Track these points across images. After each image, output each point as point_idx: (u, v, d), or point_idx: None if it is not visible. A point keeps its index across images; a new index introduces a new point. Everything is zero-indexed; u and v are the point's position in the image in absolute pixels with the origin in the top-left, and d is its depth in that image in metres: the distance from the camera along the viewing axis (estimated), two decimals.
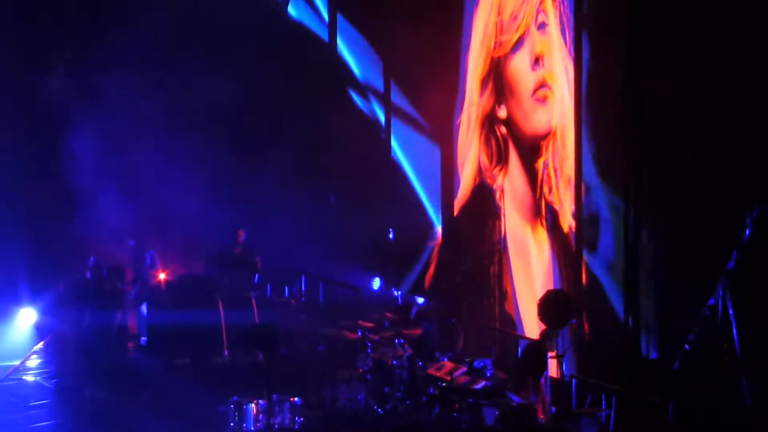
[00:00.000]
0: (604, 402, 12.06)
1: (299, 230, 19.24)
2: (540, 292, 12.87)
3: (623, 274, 12.49)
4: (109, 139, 19.15)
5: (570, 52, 13.74)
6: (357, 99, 20.15)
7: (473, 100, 16.55)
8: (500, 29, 15.64)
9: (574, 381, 12.53)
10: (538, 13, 14.60)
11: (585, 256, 13.34)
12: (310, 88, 19.98)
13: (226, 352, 16.40)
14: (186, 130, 19.65)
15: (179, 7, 19.39)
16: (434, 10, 17.37)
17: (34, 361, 17.61)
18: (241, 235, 17.50)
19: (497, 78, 15.81)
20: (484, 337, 15.62)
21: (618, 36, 12.63)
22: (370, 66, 19.98)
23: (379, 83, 19.70)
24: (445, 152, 17.72)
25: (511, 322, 15.24)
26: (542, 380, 11.83)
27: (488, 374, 13.22)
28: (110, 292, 16.23)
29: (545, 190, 14.43)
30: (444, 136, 17.72)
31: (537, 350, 11.94)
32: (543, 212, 14.55)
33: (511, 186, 15.56)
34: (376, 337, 14.34)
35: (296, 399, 12.95)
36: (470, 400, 12.17)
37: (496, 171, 15.95)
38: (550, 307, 11.68)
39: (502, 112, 15.68)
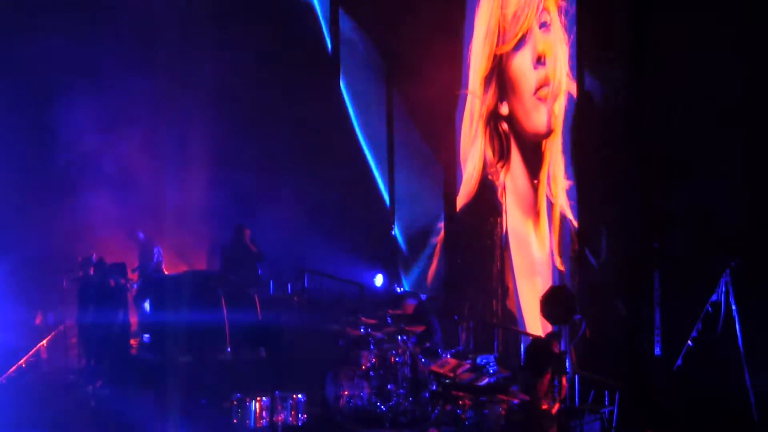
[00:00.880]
0: (607, 398, 12.07)
1: (303, 227, 19.29)
2: (542, 288, 12.88)
3: (625, 270, 12.49)
4: (110, 134, 19.18)
5: (572, 50, 13.75)
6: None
7: (476, 95, 16.55)
8: (503, 27, 15.65)
9: (577, 377, 12.55)
10: (540, 12, 14.60)
11: (587, 252, 13.35)
12: (312, 88, 20.06)
13: (228, 349, 16.43)
14: (189, 128, 19.71)
15: None
16: (436, 3, 17.38)
17: (37, 358, 17.64)
18: (247, 233, 17.51)
19: (499, 75, 15.81)
20: (486, 334, 15.61)
21: (620, 32, 12.67)
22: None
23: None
24: (446, 148, 17.73)
25: (512, 319, 15.24)
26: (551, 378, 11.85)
27: (491, 371, 13.23)
28: (113, 289, 16.25)
29: (547, 186, 14.44)
30: (445, 132, 17.72)
31: (543, 349, 11.94)
32: (545, 209, 14.56)
33: (512, 182, 15.56)
34: (379, 334, 14.34)
35: (299, 396, 12.96)
36: (473, 396, 12.17)
37: (497, 167, 15.96)
38: (552, 303, 11.68)
39: (504, 109, 15.68)
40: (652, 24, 12.11)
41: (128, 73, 19.49)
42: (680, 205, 11.61)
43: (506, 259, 15.68)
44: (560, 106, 14.04)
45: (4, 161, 18.29)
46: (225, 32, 20.12)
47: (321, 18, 21.03)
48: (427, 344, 14.22)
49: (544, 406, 11.29)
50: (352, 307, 16.53)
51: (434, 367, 13.41)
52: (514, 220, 15.53)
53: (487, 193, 16.25)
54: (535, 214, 14.86)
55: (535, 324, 13.75)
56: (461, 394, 12.29)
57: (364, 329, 14.43)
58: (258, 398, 12.79)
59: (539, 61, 14.62)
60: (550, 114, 14.37)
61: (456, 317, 15.89)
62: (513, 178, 15.56)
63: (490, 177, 16.19)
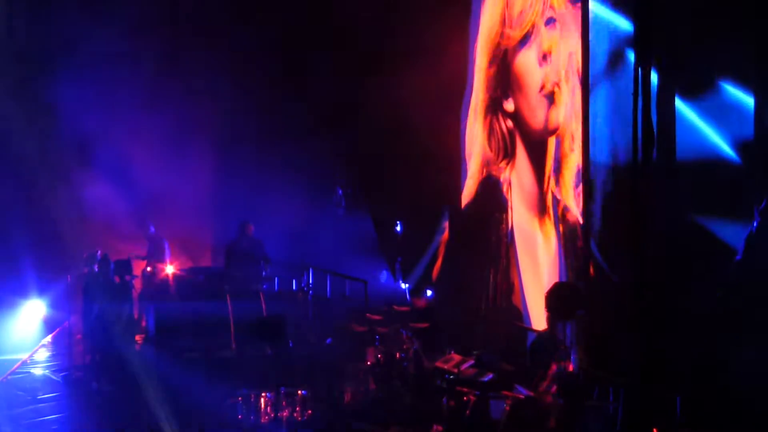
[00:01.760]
0: (611, 394, 12.05)
1: (307, 223, 19.30)
2: (547, 284, 12.86)
3: (630, 266, 12.47)
4: (114, 130, 19.19)
5: (576, 43, 13.73)
6: None
7: (480, 91, 16.55)
8: (508, 23, 15.64)
9: (581, 373, 12.52)
10: (545, 8, 14.59)
11: (592, 248, 13.33)
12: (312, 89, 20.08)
13: (234, 345, 16.44)
14: (193, 120, 19.73)
15: None
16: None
17: (42, 354, 17.67)
18: (251, 229, 17.51)
19: (504, 71, 15.81)
20: (491, 330, 15.61)
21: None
22: None
23: None
24: (451, 144, 17.73)
25: (518, 315, 15.24)
26: (555, 371, 11.83)
27: (496, 366, 13.21)
28: (118, 285, 16.26)
29: (552, 182, 14.42)
30: (450, 129, 17.73)
31: (547, 344, 11.94)
32: (550, 205, 14.55)
33: (518, 179, 15.56)
34: (383, 330, 14.35)
35: (304, 392, 12.96)
36: (478, 392, 12.17)
37: (503, 164, 15.96)
38: (557, 299, 11.66)
39: (509, 106, 15.68)
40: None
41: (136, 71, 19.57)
42: (685, 197, 11.60)
43: (511, 255, 15.68)
44: (568, 104, 14.01)
45: (8, 157, 18.32)
46: (232, 22, 20.14)
47: None
48: (432, 340, 14.23)
49: (548, 401, 11.29)
50: (357, 304, 16.54)
51: (438, 363, 13.42)
52: (519, 216, 15.52)
53: (492, 190, 16.25)
54: (541, 210, 14.85)
55: (541, 320, 13.72)
56: (465, 389, 12.29)
57: (368, 325, 14.45)
58: (263, 394, 12.79)
59: (545, 58, 14.61)
60: (556, 112, 14.35)
61: (460, 313, 15.90)
62: (518, 175, 15.56)
63: (495, 173, 16.18)
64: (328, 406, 13.83)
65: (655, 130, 11.95)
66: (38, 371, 16.75)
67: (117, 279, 16.28)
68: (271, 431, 12.72)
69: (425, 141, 18.03)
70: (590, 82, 13.30)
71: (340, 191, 20.29)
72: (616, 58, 12.92)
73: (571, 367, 11.53)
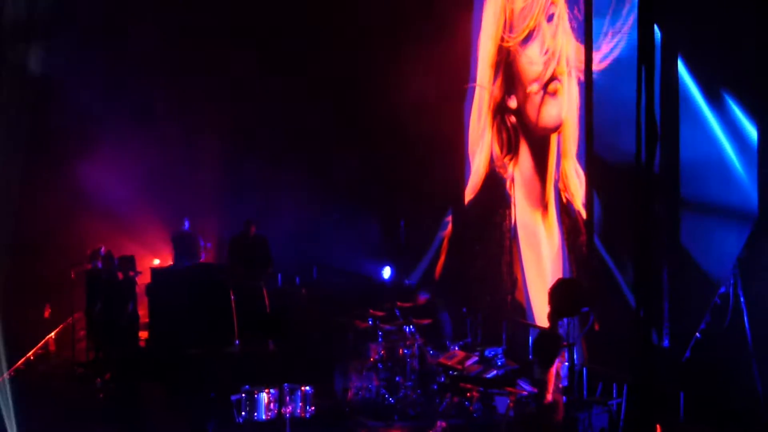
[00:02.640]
0: (615, 391, 12.06)
1: (311, 219, 19.30)
2: (550, 280, 12.85)
3: (634, 263, 12.46)
4: (120, 125, 19.21)
5: (579, 40, 13.72)
6: None
7: (484, 88, 16.54)
8: (511, 19, 15.63)
9: (584, 370, 12.54)
10: (548, 4, 14.59)
11: (596, 244, 13.33)
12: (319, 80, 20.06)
13: (237, 342, 16.45)
14: (200, 117, 19.74)
15: None
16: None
17: (46, 351, 17.70)
18: (253, 229, 17.50)
19: (507, 68, 15.81)
20: (495, 326, 15.61)
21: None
22: None
23: None
24: (454, 141, 17.73)
25: (521, 311, 15.25)
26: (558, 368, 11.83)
27: (499, 363, 13.23)
28: (121, 282, 16.27)
29: (555, 179, 14.43)
30: (454, 126, 17.73)
31: (551, 340, 11.93)
32: (553, 201, 14.55)
33: (521, 175, 15.56)
34: (387, 326, 14.36)
35: (307, 388, 12.96)
36: (481, 388, 12.18)
37: (506, 160, 15.96)
38: (560, 295, 11.63)
39: (513, 103, 15.68)
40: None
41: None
42: (689, 194, 11.60)
43: (515, 251, 15.69)
44: (570, 100, 14.01)
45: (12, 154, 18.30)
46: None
47: None
48: (435, 336, 14.24)
49: (551, 397, 11.30)
50: (361, 300, 16.53)
51: (442, 360, 13.45)
52: (522, 212, 15.53)
53: (496, 186, 16.25)
54: (544, 206, 14.85)
55: (544, 315, 13.71)
56: (469, 386, 12.30)
57: (372, 321, 14.46)
58: (266, 390, 12.78)
59: (547, 54, 14.61)
60: (559, 109, 14.35)
61: (464, 310, 15.90)
62: (521, 171, 15.55)
63: (498, 170, 16.18)
64: (331, 403, 13.85)
65: (658, 127, 11.95)
66: (42, 368, 16.78)
67: (120, 275, 16.29)
68: (275, 427, 12.73)
69: (429, 138, 18.06)
70: (593, 77, 13.32)
71: (338, 216, 20.27)
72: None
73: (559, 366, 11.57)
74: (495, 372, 12.86)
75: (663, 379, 11.58)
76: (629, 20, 12.59)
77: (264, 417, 12.74)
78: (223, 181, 19.97)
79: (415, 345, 13.85)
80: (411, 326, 14.07)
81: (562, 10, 14.27)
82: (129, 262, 16.53)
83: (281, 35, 20.21)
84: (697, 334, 11.23)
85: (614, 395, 12.01)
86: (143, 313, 17.14)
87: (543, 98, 14.79)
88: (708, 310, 11.14)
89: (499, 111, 16.09)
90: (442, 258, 18.22)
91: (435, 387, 13.49)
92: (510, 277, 15.74)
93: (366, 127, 19.49)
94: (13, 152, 17.66)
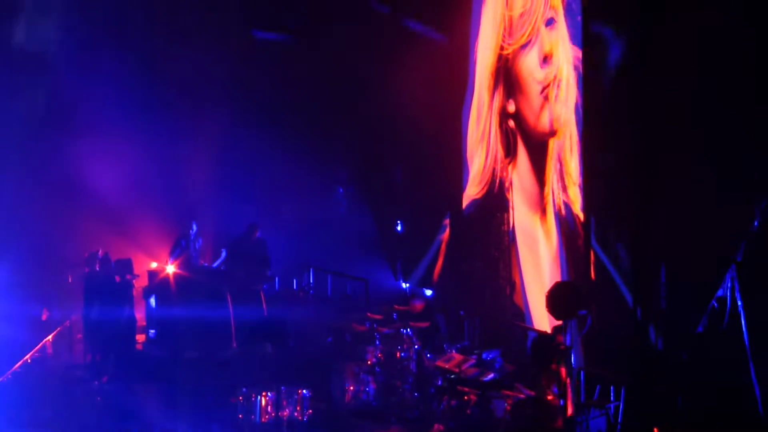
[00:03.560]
0: (613, 393, 12.05)
1: (309, 222, 19.28)
2: (548, 283, 12.86)
3: (632, 266, 12.48)
4: (116, 127, 19.16)
5: (577, 44, 13.74)
6: None
7: (483, 92, 16.55)
8: (510, 26, 15.63)
9: (582, 373, 12.53)
10: (546, 9, 14.59)
11: (593, 247, 13.33)
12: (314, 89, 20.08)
13: (234, 345, 16.43)
14: (198, 120, 19.71)
15: None
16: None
17: (42, 353, 17.64)
18: (257, 233, 17.47)
19: (506, 73, 15.81)
20: (492, 329, 15.62)
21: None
22: None
23: None
24: (453, 144, 17.73)
25: (519, 314, 15.24)
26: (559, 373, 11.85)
27: (497, 366, 13.22)
28: (118, 285, 16.26)
29: (553, 182, 14.43)
30: (452, 128, 17.73)
31: (548, 343, 11.94)
32: (551, 204, 14.55)
33: (519, 178, 15.56)
34: (384, 330, 14.35)
35: (305, 391, 12.96)
36: (479, 391, 12.17)
37: (504, 164, 15.95)
38: (558, 298, 11.65)
39: (511, 107, 15.68)
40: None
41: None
42: (688, 197, 11.60)
43: (513, 254, 15.69)
44: (568, 105, 14.01)
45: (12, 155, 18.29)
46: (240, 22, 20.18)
47: None
48: (433, 339, 14.23)
49: (549, 399, 11.31)
50: (358, 303, 16.53)
51: (439, 363, 13.43)
52: (520, 215, 15.52)
53: (494, 190, 16.25)
54: (542, 210, 14.85)
55: (543, 319, 13.74)
56: (466, 389, 12.29)
57: (369, 325, 14.45)
58: (264, 393, 12.79)
59: (546, 60, 14.62)
60: (557, 113, 14.36)
61: (462, 313, 15.90)
62: (519, 175, 15.56)
63: (496, 173, 16.19)
64: (328, 406, 13.83)
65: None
66: (39, 370, 16.73)
67: (117, 278, 16.28)
68: (272, 431, 12.72)
69: (427, 142, 18.07)
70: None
71: (341, 190, 20.28)
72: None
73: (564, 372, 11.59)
74: (492, 375, 12.84)
75: (660, 381, 11.61)
76: None
77: (261, 420, 12.74)
78: (221, 183, 19.93)
79: (413, 348, 13.83)
80: (408, 329, 14.06)
81: (560, 15, 14.28)
82: (126, 266, 16.51)
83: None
84: (695, 337, 11.23)
85: (612, 398, 12.01)
86: (140, 316, 17.11)
87: (541, 103, 14.80)
88: (705, 312, 11.14)
89: (497, 114, 16.10)
90: (440, 261, 18.21)
91: (432, 390, 13.46)
92: (508, 280, 15.73)
93: (364, 128, 19.52)
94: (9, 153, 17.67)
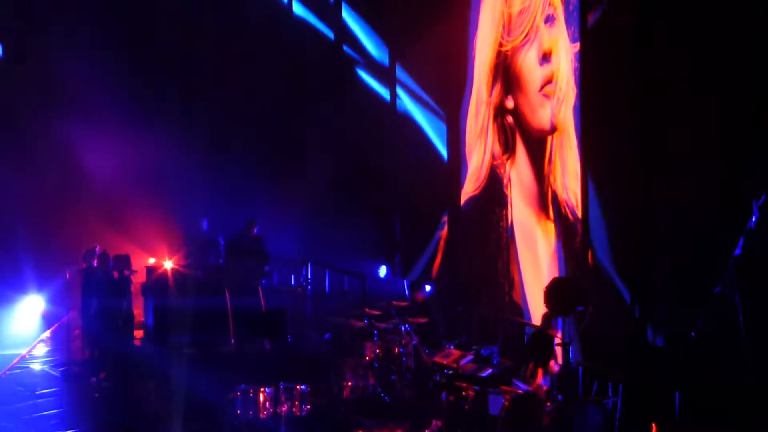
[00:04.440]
0: (610, 389, 12.06)
1: (307, 218, 19.29)
2: (547, 280, 12.87)
3: (630, 262, 12.49)
4: (112, 125, 19.18)
5: (576, 41, 13.74)
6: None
7: (482, 88, 16.54)
8: (508, 22, 15.62)
9: (580, 368, 12.55)
10: (545, 6, 14.59)
11: (592, 244, 13.34)
12: (315, 83, 20.08)
13: (232, 340, 16.43)
14: (192, 116, 19.72)
15: None
16: None
17: (40, 350, 17.66)
18: (254, 229, 17.46)
19: (505, 69, 15.80)
20: (490, 325, 15.62)
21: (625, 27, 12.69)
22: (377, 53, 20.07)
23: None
24: (451, 140, 17.74)
25: (518, 310, 15.24)
26: (553, 367, 11.86)
27: (495, 362, 13.23)
28: (116, 281, 16.26)
29: (552, 179, 14.43)
30: (451, 124, 17.73)
31: (542, 337, 11.95)
32: (550, 201, 14.55)
33: (518, 175, 15.56)
34: (382, 325, 14.36)
35: (303, 387, 12.95)
36: (476, 387, 12.17)
37: (503, 160, 15.95)
38: (556, 294, 11.65)
39: (510, 103, 15.67)
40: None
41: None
42: (686, 193, 11.61)
43: (512, 251, 15.69)
44: (567, 102, 14.01)
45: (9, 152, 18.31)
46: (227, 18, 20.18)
47: None
48: (431, 335, 14.23)
49: (541, 394, 11.35)
50: (356, 299, 16.52)
51: (437, 358, 13.43)
52: (519, 212, 15.52)
53: (493, 186, 16.25)
54: (541, 206, 14.85)
55: (541, 315, 13.75)
56: (464, 385, 12.29)
57: (367, 320, 14.45)
58: (262, 389, 12.78)
59: (545, 58, 14.61)
60: (556, 111, 14.36)
61: (460, 309, 15.90)
62: (518, 171, 15.55)
63: (495, 170, 16.18)
64: (327, 402, 13.83)
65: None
66: (37, 366, 16.74)
67: (116, 274, 16.28)
68: (270, 427, 12.71)
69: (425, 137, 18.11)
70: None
71: (340, 186, 20.28)
72: None
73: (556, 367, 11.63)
74: (490, 371, 12.85)
75: (659, 377, 11.62)
76: None
77: (260, 416, 12.74)
78: (218, 179, 19.93)
79: (411, 344, 13.83)
80: (406, 325, 14.06)
81: (559, 12, 14.27)
82: (124, 261, 16.52)
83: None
84: (693, 333, 11.24)
85: (610, 394, 12.02)
86: (138, 312, 17.11)
87: (541, 100, 14.80)
88: (703, 308, 11.15)
89: (496, 110, 16.09)
90: (439, 257, 18.21)
91: (430, 386, 13.46)
92: (507, 276, 15.73)
93: (363, 125, 19.53)
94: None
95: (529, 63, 15.09)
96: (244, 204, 18.99)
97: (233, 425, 12.71)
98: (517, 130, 15.54)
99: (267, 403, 12.77)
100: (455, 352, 13.48)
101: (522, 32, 15.20)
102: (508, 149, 15.76)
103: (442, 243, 18.20)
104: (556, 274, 13.98)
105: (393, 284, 18.36)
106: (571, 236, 13.97)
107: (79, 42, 19.10)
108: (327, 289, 18.53)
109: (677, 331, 11.58)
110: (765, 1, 10.97)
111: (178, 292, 16.51)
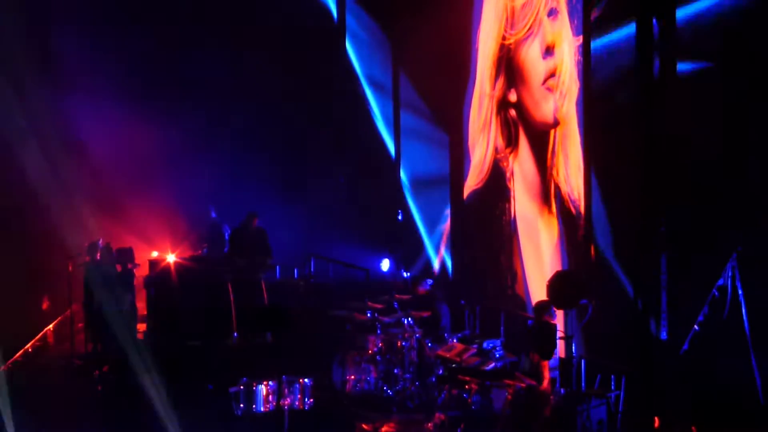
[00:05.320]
0: (613, 383, 12.07)
1: (310, 212, 19.28)
2: (549, 273, 12.87)
3: (633, 255, 12.48)
4: (114, 121, 19.17)
5: (579, 34, 13.72)
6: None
7: (485, 83, 16.53)
8: (512, 15, 15.60)
9: (583, 362, 12.55)
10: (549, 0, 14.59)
11: (594, 237, 13.33)
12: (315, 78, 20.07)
13: (235, 334, 16.43)
14: (196, 111, 19.71)
15: None
16: None
17: (44, 343, 17.67)
18: (255, 222, 17.45)
19: (508, 63, 15.79)
20: (493, 318, 15.62)
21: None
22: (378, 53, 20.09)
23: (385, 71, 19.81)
24: (454, 134, 17.73)
25: (521, 304, 15.25)
26: (553, 359, 11.87)
27: (498, 355, 13.23)
28: (119, 274, 16.28)
29: (554, 173, 14.42)
30: (453, 119, 17.73)
31: (542, 328, 11.97)
32: (552, 195, 14.55)
33: (521, 169, 15.56)
34: (385, 319, 14.36)
35: (306, 380, 12.96)
36: (480, 380, 12.17)
37: (506, 154, 15.95)
38: (559, 288, 11.68)
39: (513, 96, 15.67)
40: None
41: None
42: (689, 188, 11.60)
43: (514, 244, 15.69)
44: (570, 96, 14.00)
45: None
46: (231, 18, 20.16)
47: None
48: (434, 329, 14.23)
49: (545, 386, 11.37)
50: (359, 292, 16.51)
51: (441, 352, 13.44)
52: (522, 205, 15.52)
53: (496, 179, 16.25)
54: (543, 200, 14.85)
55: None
56: (467, 378, 12.30)
57: (370, 314, 14.45)
58: (265, 382, 12.80)
59: (548, 51, 14.60)
60: (559, 104, 14.35)
61: (463, 302, 15.90)
62: (521, 165, 15.55)
63: (498, 163, 16.18)
64: (330, 395, 13.84)
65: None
66: (40, 360, 16.76)
67: (119, 268, 16.28)
68: (274, 419, 12.72)
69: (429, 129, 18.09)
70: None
71: (343, 179, 20.27)
72: None
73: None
74: (493, 364, 12.84)
75: (661, 371, 11.61)
76: None
77: (263, 409, 12.75)
78: (221, 171, 19.92)
79: (414, 337, 13.84)
80: (409, 318, 14.06)
81: (562, 5, 14.26)
82: (127, 254, 16.53)
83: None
84: (696, 326, 11.23)
85: (612, 387, 12.03)
86: (141, 305, 17.12)
87: (544, 94, 14.78)
88: (706, 302, 11.14)
89: (499, 104, 16.09)
90: (441, 250, 18.22)
91: (433, 379, 13.48)
92: (509, 269, 15.74)
93: (365, 121, 19.55)
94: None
95: (532, 56, 15.08)
96: (248, 197, 18.97)
97: (236, 418, 12.73)
98: (520, 124, 15.53)
99: (270, 397, 12.79)
100: (458, 346, 13.49)
101: (525, 25, 15.18)
102: (511, 143, 15.75)
103: (444, 236, 18.21)
104: (558, 268, 13.97)
105: (396, 278, 18.36)
106: (573, 230, 13.97)
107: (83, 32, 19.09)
108: (330, 283, 18.53)
109: (680, 325, 11.56)
110: None
111: (181, 286, 16.51)
